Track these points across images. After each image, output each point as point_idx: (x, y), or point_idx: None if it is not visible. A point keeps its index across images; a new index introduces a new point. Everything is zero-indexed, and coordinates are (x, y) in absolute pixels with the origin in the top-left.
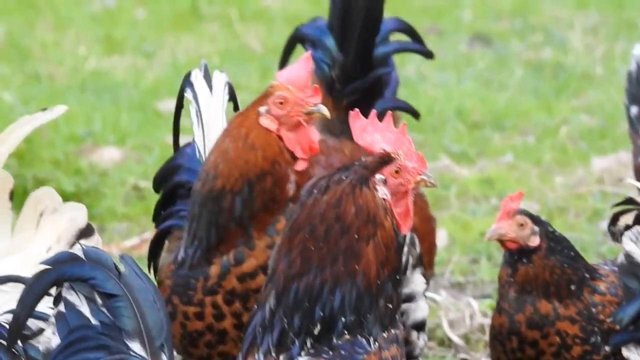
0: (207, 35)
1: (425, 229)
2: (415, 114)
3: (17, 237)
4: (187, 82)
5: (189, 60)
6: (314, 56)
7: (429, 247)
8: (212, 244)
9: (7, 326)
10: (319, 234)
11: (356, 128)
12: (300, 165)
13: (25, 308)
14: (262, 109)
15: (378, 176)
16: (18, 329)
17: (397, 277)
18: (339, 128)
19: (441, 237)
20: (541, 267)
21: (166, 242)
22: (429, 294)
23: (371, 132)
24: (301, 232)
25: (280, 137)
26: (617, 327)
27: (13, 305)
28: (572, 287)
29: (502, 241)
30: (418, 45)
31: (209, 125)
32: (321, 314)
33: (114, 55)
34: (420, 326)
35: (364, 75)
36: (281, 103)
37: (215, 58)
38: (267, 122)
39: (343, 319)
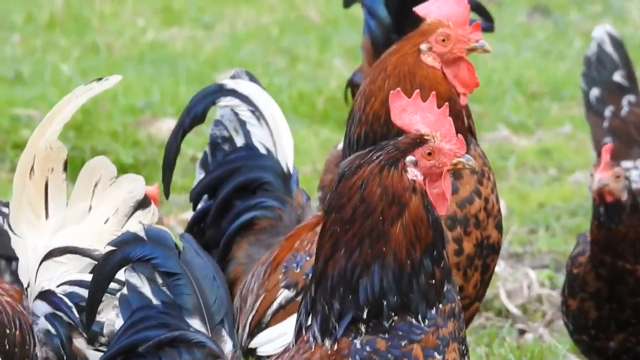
0: (266, 6)
1: None
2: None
3: (73, 208)
4: (221, 92)
5: (248, 31)
6: (369, 24)
7: None
8: None
9: (66, 298)
10: (346, 216)
11: (395, 107)
12: (463, 100)
13: (98, 290)
14: (424, 46)
15: (409, 158)
16: (93, 310)
17: (435, 253)
18: None
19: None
20: (629, 226)
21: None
22: None
23: (411, 113)
24: (332, 213)
25: (443, 74)
26: None
27: (71, 276)
28: None
29: (600, 194)
30: (481, 22)
31: (275, 119)
32: (364, 297)
33: (172, 26)
34: None
35: None
36: (444, 40)
37: (274, 29)
38: (430, 59)
39: (385, 302)
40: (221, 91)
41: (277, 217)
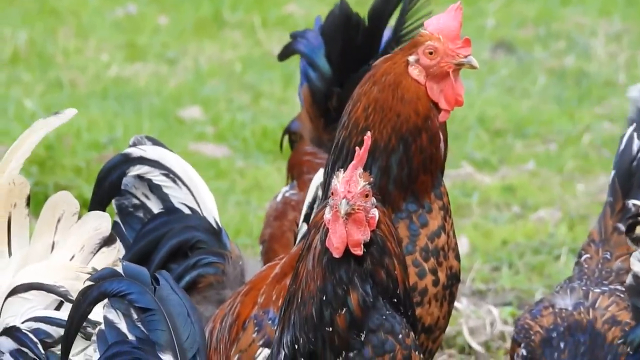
0: (230, 42)
1: None
2: None
3: (36, 244)
4: (129, 161)
5: (212, 67)
6: (309, 74)
7: None
8: None
9: (31, 335)
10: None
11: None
12: (443, 117)
13: (75, 324)
14: (412, 58)
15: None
16: (69, 344)
17: (334, 300)
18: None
19: (463, 245)
20: None
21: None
22: None
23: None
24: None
25: (426, 88)
26: (629, 349)
27: (37, 313)
28: None
29: None
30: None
31: (190, 178)
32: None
33: (136, 62)
34: None
35: None
36: (431, 53)
37: (238, 65)
38: (415, 72)
39: (297, 346)
40: (128, 160)
41: (220, 272)
